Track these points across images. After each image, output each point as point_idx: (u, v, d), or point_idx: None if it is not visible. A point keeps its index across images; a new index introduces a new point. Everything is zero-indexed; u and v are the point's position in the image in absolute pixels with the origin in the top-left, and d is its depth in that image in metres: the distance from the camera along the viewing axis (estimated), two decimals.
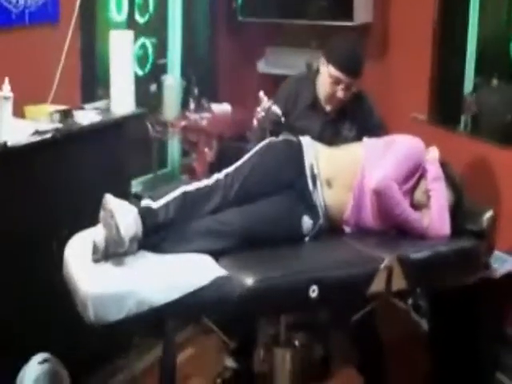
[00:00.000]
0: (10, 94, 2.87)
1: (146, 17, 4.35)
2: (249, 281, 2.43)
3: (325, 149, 2.95)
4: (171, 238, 2.61)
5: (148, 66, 4.39)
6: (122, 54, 3.43)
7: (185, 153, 4.54)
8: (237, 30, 4.83)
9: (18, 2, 3.15)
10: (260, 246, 2.64)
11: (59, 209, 3.07)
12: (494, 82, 3.91)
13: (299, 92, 3.31)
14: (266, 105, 3.14)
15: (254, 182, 2.79)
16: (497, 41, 3.94)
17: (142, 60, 4.33)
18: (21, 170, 2.91)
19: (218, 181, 2.79)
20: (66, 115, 3.17)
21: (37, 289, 2.95)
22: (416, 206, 2.86)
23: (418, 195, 2.88)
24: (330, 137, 3.17)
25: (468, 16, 3.97)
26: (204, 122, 4.20)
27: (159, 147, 4.35)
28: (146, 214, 2.60)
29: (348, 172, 2.87)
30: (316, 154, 2.88)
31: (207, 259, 2.56)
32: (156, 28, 4.46)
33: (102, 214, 2.53)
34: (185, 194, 2.70)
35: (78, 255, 2.56)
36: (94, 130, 3.24)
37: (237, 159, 2.88)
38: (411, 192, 2.87)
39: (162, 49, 4.49)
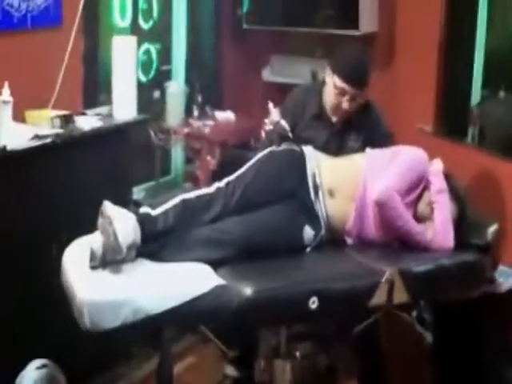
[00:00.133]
0: (10, 99, 2.85)
1: (151, 22, 4.34)
2: (247, 291, 2.41)
3: (327, 159, 2.94)
4: (171, 246, 2.60)
5: (152, 72, 4.38)
6: (125, 59, 3.42)
7: (188, 160, 4.52)
8: (242, 37, 4.81)
9: (20, 5, 3.13)
10: (260, 255, 2.62)
11: (58, 213, 3.06)
12: (501, 93, 3.89)
13: (306, 102, 3.28)
14: (275, 119, 3.13)
15: (256, 191, 2.77)
16: (504, 52, 3.92)
17: (145, 66, 4.31)
18: (20, 175, 2.90)
19: (218, 189, 2.77)
20: (66, 120, 3.16)
21: (36, 294, 2.94)
22: (419, 219, 2.84)
23: (422, 207, 2.85)
24: (336, 147, 3.15)
25: (475, 27, 3.95)
26: (207, 130, 4.18)
27: (163, 154, 4.34)
28: (144, 222, 2.58)
29: (351, 182, 2.85)
30: (318, 164, 2.86)
31: (206, 268, 2.55)
32: (160, 34, 4.45)
33: (100, 220, 2.52)
34: (184, 201, 2.68)
35: (76, 262, 2.55)
36: (94, 136, 3.23)
37: (240, 167, 2.86)
38: (414, 204, 2.85)
39: (166, 55, 4.48)
